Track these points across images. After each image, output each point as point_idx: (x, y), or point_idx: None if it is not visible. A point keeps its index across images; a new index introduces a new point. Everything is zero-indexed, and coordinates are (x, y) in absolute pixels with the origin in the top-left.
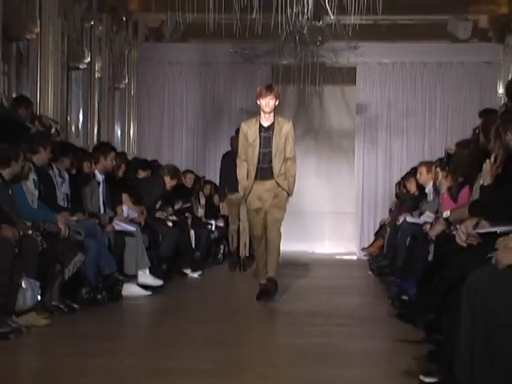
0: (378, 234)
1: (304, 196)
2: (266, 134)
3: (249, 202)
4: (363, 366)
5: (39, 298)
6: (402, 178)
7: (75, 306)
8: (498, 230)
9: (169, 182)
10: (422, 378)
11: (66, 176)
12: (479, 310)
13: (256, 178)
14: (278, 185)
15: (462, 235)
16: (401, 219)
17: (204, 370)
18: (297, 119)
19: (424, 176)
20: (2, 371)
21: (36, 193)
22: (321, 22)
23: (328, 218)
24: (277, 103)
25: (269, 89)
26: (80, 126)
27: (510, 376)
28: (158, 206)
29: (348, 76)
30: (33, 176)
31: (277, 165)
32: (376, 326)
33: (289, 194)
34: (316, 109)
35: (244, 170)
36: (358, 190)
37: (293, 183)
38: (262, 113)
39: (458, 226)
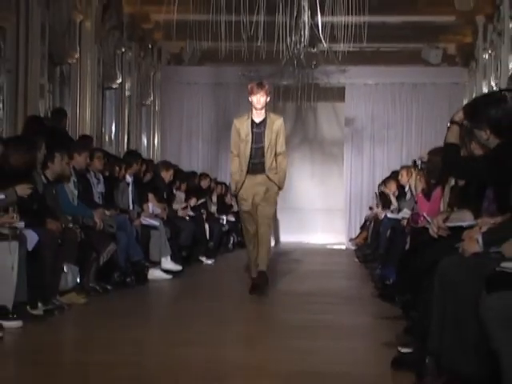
0: (363, 227)
1: (300, 195)
2: (258, 129)
3: (240, 195)
4: (350, 338)
5: (78, 280)
6: (383, 180)
7: (108, 287)
8: (464, 224)
9: (166, 175)
10: (399, 348)
11: (101, 178)
12: (448, 291)
13: (248, 172)
14: (269, 179)
15: (434, 228)
16: (382, 215)
17: (216, 340)
18: (295, 131)
19: (404, 178)
20: (49, 341)
21: (76, 192)
22: (315, 49)
23: (320, 213)
24: (268, 99)
25: (260, 86)
26: (113, 136)
27: (474, 346)
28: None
29: (338, 94)
30: (73, 178)
31: (268, 159)
32: (361, 304)
33: (280, 188)
34: (311, 122)
35: (236, 164)
36: (346, 190)
37: (283, 177)
38: (253, 109)
39: (429, 220)
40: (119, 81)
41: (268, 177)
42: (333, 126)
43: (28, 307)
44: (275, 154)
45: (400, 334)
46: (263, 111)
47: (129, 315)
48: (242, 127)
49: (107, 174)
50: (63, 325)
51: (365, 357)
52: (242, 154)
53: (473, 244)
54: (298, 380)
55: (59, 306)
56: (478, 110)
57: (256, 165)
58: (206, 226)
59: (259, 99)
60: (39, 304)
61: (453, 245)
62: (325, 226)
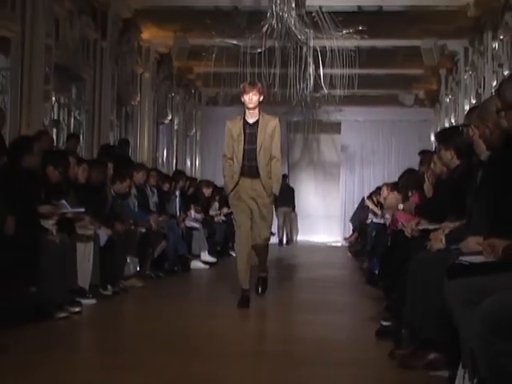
0: (354, 229)
1: (307, 205)
2: (251, 130)
3: (232, 195)
4: (344, 313)
5: (138, 268)
6: (370, 194)
7: (161, 274)
8: (431, 227)
9: (206, 191)
10: (382, 322)
11: (155, 191)
12: (419, 278)
13: (241, 174)
14: (263, 185)
15: (408, 230)
16: (369, 220)
17: (239, 314)
18: (302, 156)
19: (385, 192)
20: (116, 314)
21: (136, 202)
22: (318, 94)
23: (322, 218)
24: (261, 99)
25: (252, 84)
26: (164, 160)
27: (438, 319)
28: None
29: (335, 128)
30: (134, 191)
31: (262, 163)
32: (352, 288)
33: (275, 195)
34: (315, 149)
35: (229, 168)
36: (341, 201)
37: (277, 183)
38: (246, 110)
39: (404, 224)
40: (169, 117)
41: (262, 183)
42: (331, 153)
43: (100, 289)
44: (270, 157)
45: (382, 310)
46: (256, 111)
47: (176, 295)
48: (234, 128)
49: (160, 188)
50: (126, 302)
51: (355, 327)
52: (235, 156)
53: (438, 242)
54: (304, 343)
55: (123, 288)
56: (448, 136)
57: (249, 168)
58: None
59: (251, 98)
60: (109, 286)
61: (423, 243)
62: (325, 228)
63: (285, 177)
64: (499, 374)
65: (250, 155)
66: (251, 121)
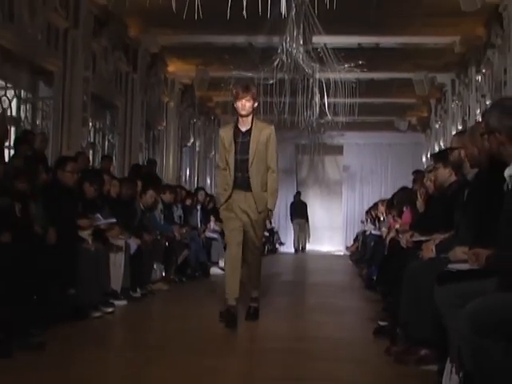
0: (355, 240)
1: (313, 218)
2: (243, 139)
3: (224, 209)
4: (345, 314)
5: (163, 274)
6: (369, 209)
7: (183, 279)
8: (423, 238)
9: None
10: (379, 322)
11: (179, 205)
12: (413, 283)
13: (234, 187)
14: (254, 198)
15: (404, 241)
16: (368, 232)
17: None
18: (309, 175)
19: (380, 208)
20: (145, 314)
21: (162, 215)
22: (323, 120)
23: (326, 230)
24: (255, 105)
25: (245, 89)
26: (187, 178)
27: (429, 320)
28: None
29: (338, 150)
30: (160, 206)
31: (254, 175)
32: (352, 292)
33: (269, 209)
34: (320, 169)
35: (223, 179)
36: (343, 214)
37: (273, 197)
38: (239, 117)
39: (400, 235)
40: (192, 141)
41: (254, 196)
42: (335, 172)
43: (130, 291)
44: (265, 168)
45: (379, 312)
46: (249, 118)
47: (198, 297)
48: (226, 136)
49: (183, 203)
50: (154, 303)
51: (355, 327)
52: (228, 167)
53: (429, 252)
54: (309, 341)
55: (151, 291)
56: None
57: (241, 179)
58: None
59: (244, 104)
60: (138, 289)
61: (416, 253)
62: (329, 239)
63: (299, 193)
64: (482, 367)
65: (242, 166)
66: (244, 129)
